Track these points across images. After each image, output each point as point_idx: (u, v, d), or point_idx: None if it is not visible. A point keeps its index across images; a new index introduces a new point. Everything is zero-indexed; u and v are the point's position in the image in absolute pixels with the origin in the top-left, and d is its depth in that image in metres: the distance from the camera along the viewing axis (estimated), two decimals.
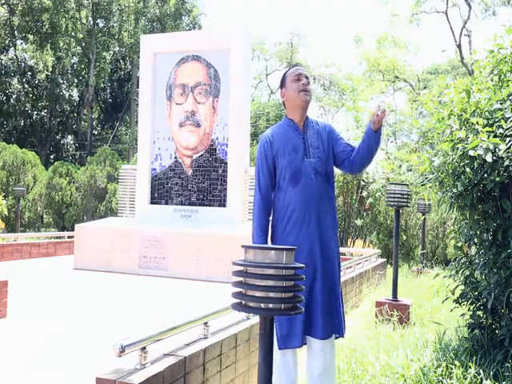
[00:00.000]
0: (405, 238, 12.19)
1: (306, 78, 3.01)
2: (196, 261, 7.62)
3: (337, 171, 6.21)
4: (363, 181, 12.58)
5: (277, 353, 2.84)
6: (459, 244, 3.75)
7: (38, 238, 11.36)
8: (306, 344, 2.92)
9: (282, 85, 3.06)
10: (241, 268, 1.85)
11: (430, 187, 3.82)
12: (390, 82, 30.22)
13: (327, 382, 2.87)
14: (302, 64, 33.69)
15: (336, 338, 2.95)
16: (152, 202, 8.87)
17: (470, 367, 3.17)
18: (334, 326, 2.86)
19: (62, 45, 29.05)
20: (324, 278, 2.85)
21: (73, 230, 10.03)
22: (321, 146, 2.97)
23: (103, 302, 5.70)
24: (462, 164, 3.34)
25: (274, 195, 2.98)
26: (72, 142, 34.84)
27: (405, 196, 5.70)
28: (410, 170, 12.73)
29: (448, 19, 25.52)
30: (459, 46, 25.27)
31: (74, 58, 30.95)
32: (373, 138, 2.85)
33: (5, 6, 27.76)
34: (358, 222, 12.51)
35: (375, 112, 2.79)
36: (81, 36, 29.01)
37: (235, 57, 8.38)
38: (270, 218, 3.00)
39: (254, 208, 2.98)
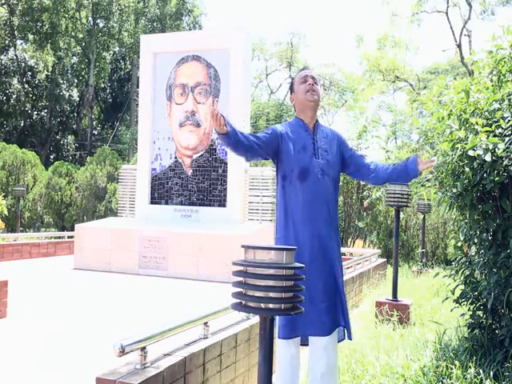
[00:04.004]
0: (405, 238, 12.19)
1: (313, 78, 3.06)
2: (196, 261, 7.61)
3: None
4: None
5: (280, 348, 2.84)
6: (459, 244, 3.75)
7: (38, 238, 11.34)
8: (307, 345, 2.91)
9: (291, 90, 3.11)
10: (241, 268, 1.85)
11: (429, 187, 3.82)
12: (390, 81, 30.22)
13: (330, 381, 2.85)
14: (302, 63, 33.68)
15: (341, 341, 2.95)
16: (152, 202, 8.88)
17: (470, 367, 3.17)
18: (335, 322, 2.83)
19: (62, 45, 29.06)
20: (324, 275, 2.83)
21: (73, 229, 10.02)
22: (329, 150, 3.01)
23: (103, 302, 5.69)
24: (461, 164, 3.34)
25: (281, 186, 2.97)
26: (72, 141, 34.83)
27: (405, 196, 5.70)
28: None
29: (448, 19, 25.52)
30: (459, 46, 25.25)
31: (74, 58, 30.95)
32: (411, 175, 3.04)
33: (5, 6, 27.75)
34: (361, 224, 12.50)
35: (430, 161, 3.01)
36: (81, 36, 29.02)
37: (235, 57, 8.38)
38: (275, 214, 3.04)
39: None
